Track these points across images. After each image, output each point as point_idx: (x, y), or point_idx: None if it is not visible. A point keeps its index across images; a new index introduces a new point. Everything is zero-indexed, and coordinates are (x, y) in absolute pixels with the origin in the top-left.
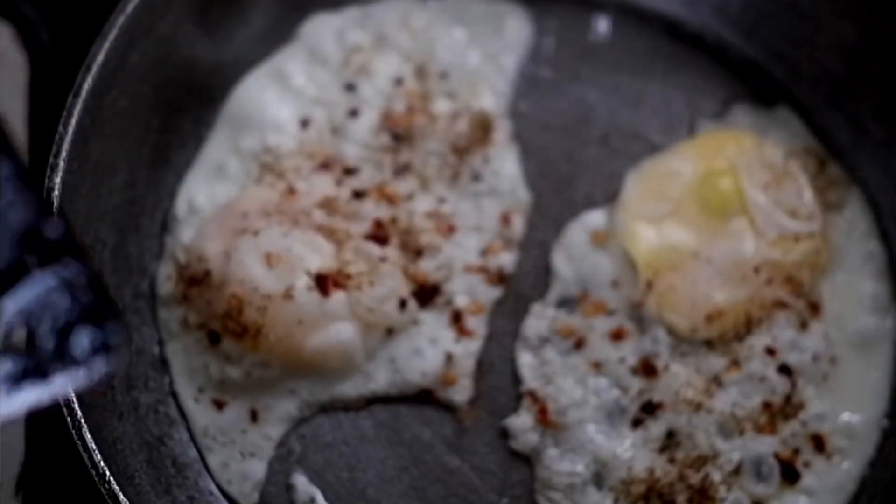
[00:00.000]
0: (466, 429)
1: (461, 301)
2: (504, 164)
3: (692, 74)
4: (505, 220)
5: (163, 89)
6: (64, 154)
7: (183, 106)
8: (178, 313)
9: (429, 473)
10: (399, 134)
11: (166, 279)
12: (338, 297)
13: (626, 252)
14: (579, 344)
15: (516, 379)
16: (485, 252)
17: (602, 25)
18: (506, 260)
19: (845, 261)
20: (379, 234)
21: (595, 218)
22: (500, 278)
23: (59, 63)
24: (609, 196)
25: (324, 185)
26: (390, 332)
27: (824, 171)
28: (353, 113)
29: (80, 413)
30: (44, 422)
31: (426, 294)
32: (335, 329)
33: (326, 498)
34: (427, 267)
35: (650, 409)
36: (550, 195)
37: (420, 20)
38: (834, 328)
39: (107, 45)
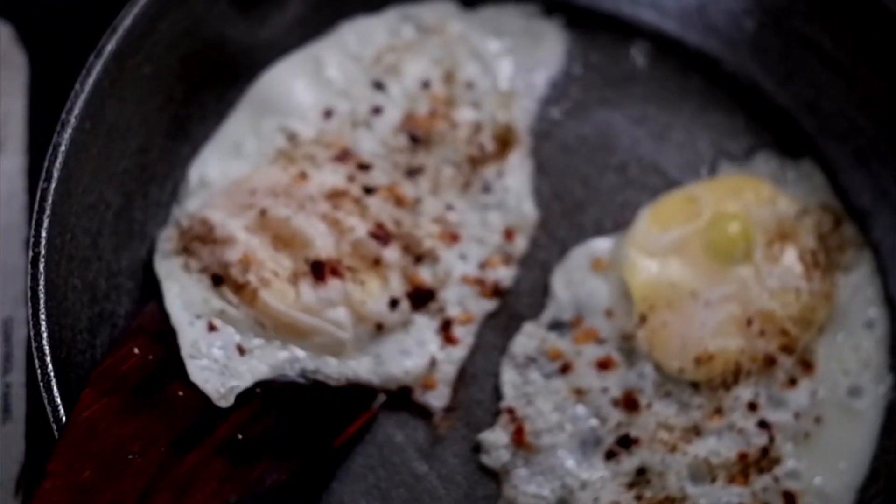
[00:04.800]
0: (440, 437)
1: (453, 310)
2: (516, 179)
3: (721, 115)
4: (508, 235)
5: (190, 62)
6: (77, 111)
7: (208, 81)
8: (179, 261)
9: (395, 476)
10: (418, 136)
11: (167, 240)
12: (334, 284)
13: (624, 281)
14: (565, 368)
15: (497, 394)
16: (484, 265)
17: (639, 54)
18: (503, 275)
19: (846, 323)
20: (379, 234)
21: (601, 245)
22: (494, 292)
23: (59, 63)
24: (619, 225)
25: (335, 176)
26: (381, 328)
27: (839, 229)
28: (377, 110)
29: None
30: (44, 422)
31: (421, 298)
32: (329, 313)
33: None
34: (425, 271)
35: (626, 443)
36: (560, 216)
37: (457, 27)
38: (824, 388)
39: (136, 10)
